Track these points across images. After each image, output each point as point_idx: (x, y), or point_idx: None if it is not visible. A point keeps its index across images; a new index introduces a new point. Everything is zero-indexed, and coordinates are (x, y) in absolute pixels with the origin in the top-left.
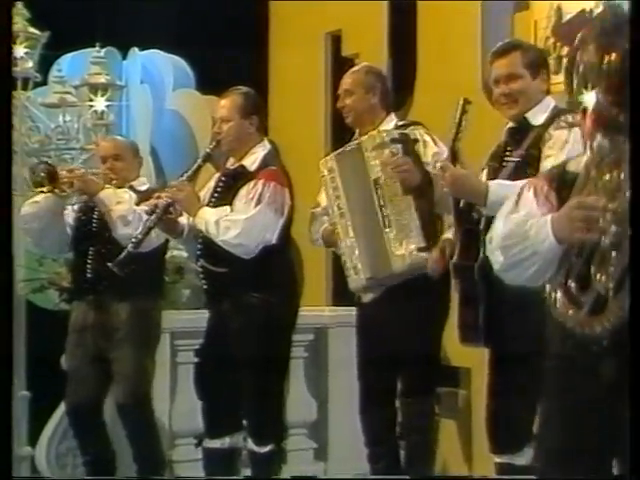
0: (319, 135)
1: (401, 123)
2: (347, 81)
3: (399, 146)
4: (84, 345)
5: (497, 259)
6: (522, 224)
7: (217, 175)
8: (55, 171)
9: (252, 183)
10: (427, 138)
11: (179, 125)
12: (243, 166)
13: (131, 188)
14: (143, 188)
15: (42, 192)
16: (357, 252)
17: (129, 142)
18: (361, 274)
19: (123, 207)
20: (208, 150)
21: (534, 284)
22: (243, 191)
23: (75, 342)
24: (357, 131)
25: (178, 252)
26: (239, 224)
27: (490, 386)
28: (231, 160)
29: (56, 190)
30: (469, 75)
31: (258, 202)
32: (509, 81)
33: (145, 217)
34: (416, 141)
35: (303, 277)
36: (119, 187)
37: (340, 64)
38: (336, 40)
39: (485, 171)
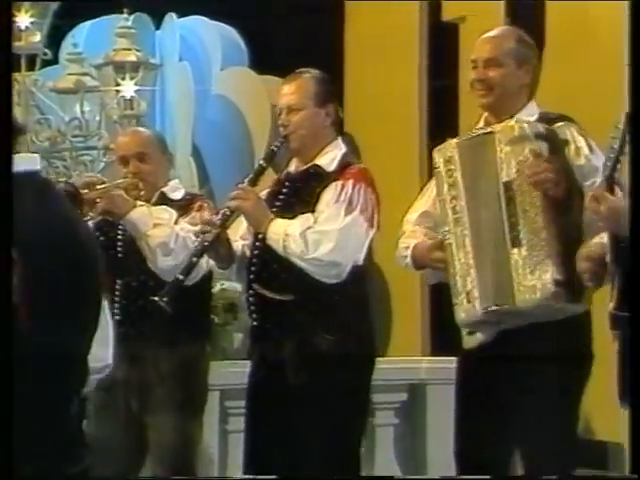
0: (410, 125)
1: (546, 115)
2: (488, 47)
3: (544, 145)
4: (112, 407)
5: None
6: None
7: (275, 180)
8: (77, 193)
9: (338, 185)
10: (580, 141)
11: (229, 114)
12: (318, 165)
13: (162, 197)
14: (177, 195)
15: None
16: (473, 273)
17: (154, 135)
18: (476, 303)
19: (163, 232)
20: (274, 148)
21: None
22: (327, 195)
23: (101, 403)
24: (483, 118)
25: (229, 284)
26: (333, 236)
27: None
28: (294, 163)
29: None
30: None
31: (349, 208)
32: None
33: (192, 238)
34: (566, 142)
35: (391, 313)
36: (147, 199)
37: (439, 30)
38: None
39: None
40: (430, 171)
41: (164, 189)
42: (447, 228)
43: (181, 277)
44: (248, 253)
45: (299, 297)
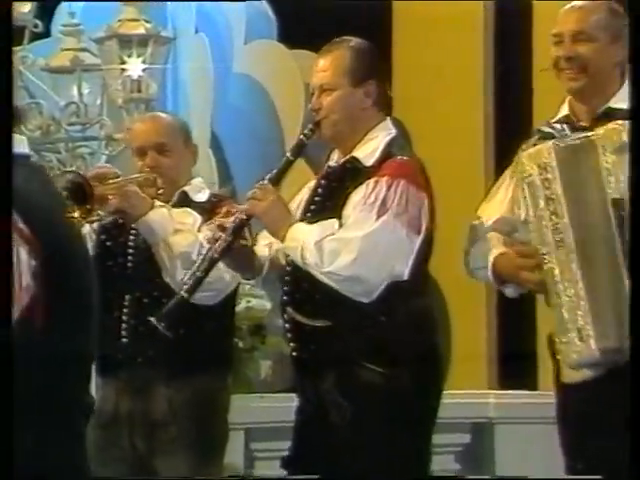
0: (474, 110)
1: None
2: (576, 18)
3: None
4: (113, 447)
5: None
6: None
7: (315, 179)
8: (87, 185)
9: (371, 182)
10: None
11: (254, 97)
12: (355, 158)
13: (183, 197)
14: (201, 197)
15: None
16: (585, 306)
17: (176, 122)
18: (591, 342)
19: (185, 239)
20: (302, 137)
21: None
22: (357, 195)
23: (102, 442)
24: (567, 104)
25: (257, 301)
26: (354, 245)
27: None
28: (336, 154)
29: (89, 216)
30: None
31: (381, 211)
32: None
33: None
34: None
35: (451, 340)
36: (165, 199)
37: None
38: None
39: None
40: (497, 169)
41: (186, 188)
42: (546, 250)
43: (185, 295)
44: (282, 261)
45: (336, 321)
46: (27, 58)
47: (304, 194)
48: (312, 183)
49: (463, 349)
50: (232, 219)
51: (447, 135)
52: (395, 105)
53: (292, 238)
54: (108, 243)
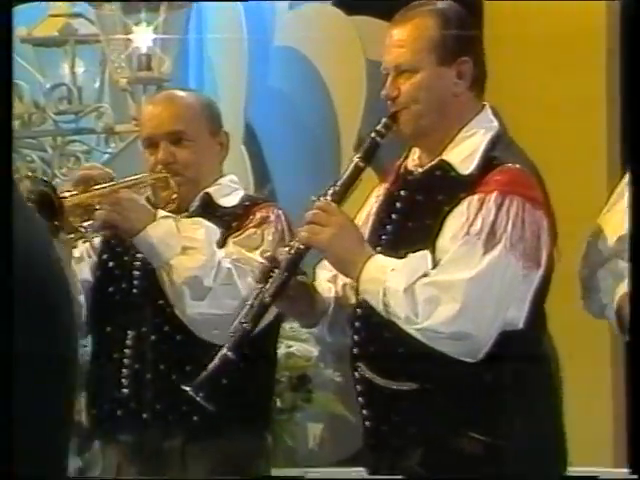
0: (595, 100)
1: None
2: None
3: None
4: None
5: None
6: None
7: (383, 187)
8: (53, 195)
9: (474, 201)
10: None
11: (300, 77)
12: (447, 163)
13: (207, 202)
14: (231, 200)
15: None
16: None
17: (200, 101)
18: None
19: (195, 260)
20: (375, 135)
21: None
22: (455, 219)
23: None
24: None
25: (300, 346)
26: (458, 291)
27: None
28: (416, 156)
29: (56, 235)
30: None
31: (491, 242)
32: None
33: (245, 269)
34: None
35: (561, 404)
36: (183, 205)
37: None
38: None
39: None
40: (617, 185)
41: (210, 190)
42: None
43: (230, 354)
44: (352, 299)
45: (427, 383)
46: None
47: (372, 205)
48: (380, 191)
49: (582, 416)
50: (286, 250)
51: (558, 131)
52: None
53: (369, 279)
54: (111, 264)
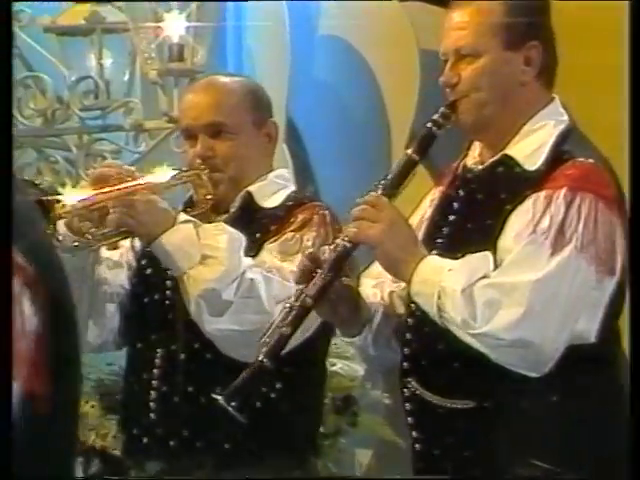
0: None
1: None
2: None
3: None
4: None
5: None
6: None
7: (439, 190)
8: (44, 199)
9: (541, 198)
10: None
11: (347, 68)
12: (511, 158)
13: (247, 203)
14: (274, 200)
15: None
16: None
17: (245, 87)
18: None
19: (212, 271)
20: (431, 125)
21: None
22: (520, 217)
23: None
24: None
25: (344, 364)
26: (521, 294)
27: None
28: (477, 152)
29: (58, 235)
30: None
31: (560, 242)
32: None
33: (282, 284)
34: None
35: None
36: (220, 205)
37: None
38: None
39: None
40: None
41: (252, 188)
42: None
43: (265, 361)
44: (400, 309)
45: (485, 402)
46: (23, 14)
47: (426, 209)
48: (435, 194)
49: None
50: (331, 247)
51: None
52: None
53: (423, 280)
54: (148, 271)
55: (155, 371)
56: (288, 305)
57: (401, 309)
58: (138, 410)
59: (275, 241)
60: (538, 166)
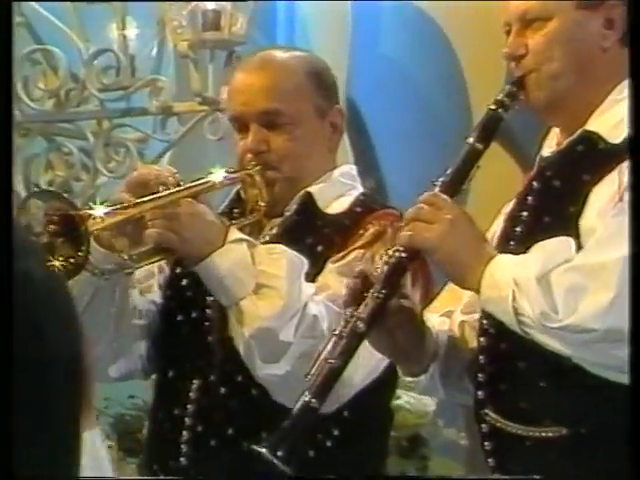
0: None
1: None
2: None
3: None
4: None
5: None
6: None
7: (526, 180)
8: (78, 219)
9: (623, 170)
10: None
11: (424, 46)
12: (592, 133)
13: (306, 207)
14: (339, 206)
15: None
16: None
17: (312, 65)
18: None
19: (268, 306)
20: (495, 107)
21: None
22: (603, 191)
23: None
24: None
25: (411, 398)
26: (610, 276)
27: None
28: (553, 139)
29: (78, 267)
30: None
31: None
32: None
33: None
34: None
35: None
36: (273, 209)
37: None
38: None
39: None
40: None
41: (313, 188)
42: None
43: (313, 401)
44: (473, 342)
45: (581, 428)
46: None
47: (504, 213)
48: (511, 204)
49: None
50: (384, 260)
51: None
52: None
53: (493, 283)
54: (184, 281)
55: (189, 407)
56: (336, 333)
57: (474, 342)
58: (166, 453)
59: (341, 259)
60: (624, 138)
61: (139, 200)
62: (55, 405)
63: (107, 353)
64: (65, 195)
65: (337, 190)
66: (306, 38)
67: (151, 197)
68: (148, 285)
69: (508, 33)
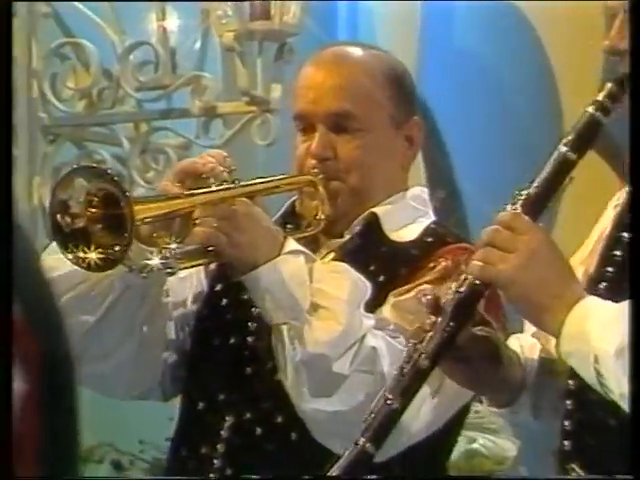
0: None
1: None
2: None
3: None
4: None
5: None
6: None
7: (626, 191)
8: (125, 203)
9: None
10: None
11: (509, 41)
12: None
13: (371, 227)
14: (408, 234)
15: (87, 262)
16: None
17: (391, 67)
18: None
19: (329, 330)
20: (593, 110)
21: None
22: None
23: None
24: None
25: (488, 441)
26: None
27: None
28: None
29: (119, 258)
30: None
31: None
32: None
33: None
34: None
35: None
36: (334, 226)
37: None
38: None
39: None
40: None
41: (379, 209)
42: None
43: (368, 446)
44: (559, 365)
45: None
46: None
47: (605, 228)
48: (620, 199)
49: None
50: (452, 288)
51: None
52: None
53: (574, 335)
54: (224, 301)
55: (219, 446)
56: (398, 369)
57: (559, 367)
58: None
59: (405, 293)
60: None
61: (189, 192)
62: None
63: (127, 362)
64: (114, 175)
65: (407, 215)
66: (369, 32)
67: (204, 190)
68: (182, 291)
69: (612, 19)
